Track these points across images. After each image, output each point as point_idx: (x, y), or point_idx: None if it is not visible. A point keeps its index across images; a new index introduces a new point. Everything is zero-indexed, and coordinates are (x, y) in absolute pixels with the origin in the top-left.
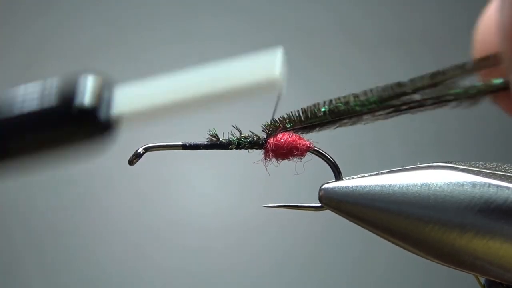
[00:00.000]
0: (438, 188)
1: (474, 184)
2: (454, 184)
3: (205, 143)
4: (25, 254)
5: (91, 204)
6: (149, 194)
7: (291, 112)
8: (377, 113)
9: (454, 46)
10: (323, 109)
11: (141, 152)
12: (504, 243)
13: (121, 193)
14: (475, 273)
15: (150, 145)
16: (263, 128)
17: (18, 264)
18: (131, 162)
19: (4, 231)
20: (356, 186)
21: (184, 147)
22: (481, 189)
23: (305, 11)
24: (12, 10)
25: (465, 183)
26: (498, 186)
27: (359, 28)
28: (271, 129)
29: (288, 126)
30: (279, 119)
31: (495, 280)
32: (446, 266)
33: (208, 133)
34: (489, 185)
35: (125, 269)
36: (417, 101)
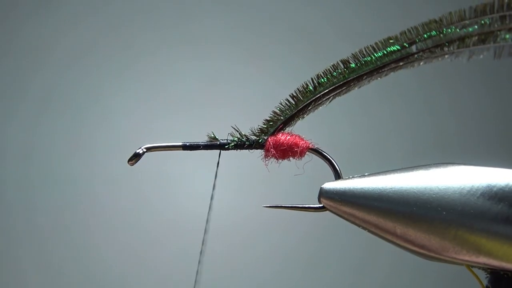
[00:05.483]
0: (439, 181)
1: (475, 171)
2: (456, 174)
3: (205, 143)
4: (25, 253)
5: (91, 204)
6: (149, 194)
7: (280, 103)
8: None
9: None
10: (322, 80)
11: (141, 152)
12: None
13: (121, 193)
14: (479, 265)
15: (150, 145)
16: (261, 127)
17: (18, 264)
18: (131, 162)
19: (4, 231)
20: (356, 187)
21: (184, 147)
22: (483, 173)
23: (304, 11)
24: (12, 10)
25: (467, 170)
26: (498, 171)
27: (358, 28)
28: (269, 128)
29: (282, 118)
30: (273, 114)
31: (499, 270)
32: (450, 262)
33: (208, 135)
34: (490, 171)
35: (124, 269)
36: (413, 53)
